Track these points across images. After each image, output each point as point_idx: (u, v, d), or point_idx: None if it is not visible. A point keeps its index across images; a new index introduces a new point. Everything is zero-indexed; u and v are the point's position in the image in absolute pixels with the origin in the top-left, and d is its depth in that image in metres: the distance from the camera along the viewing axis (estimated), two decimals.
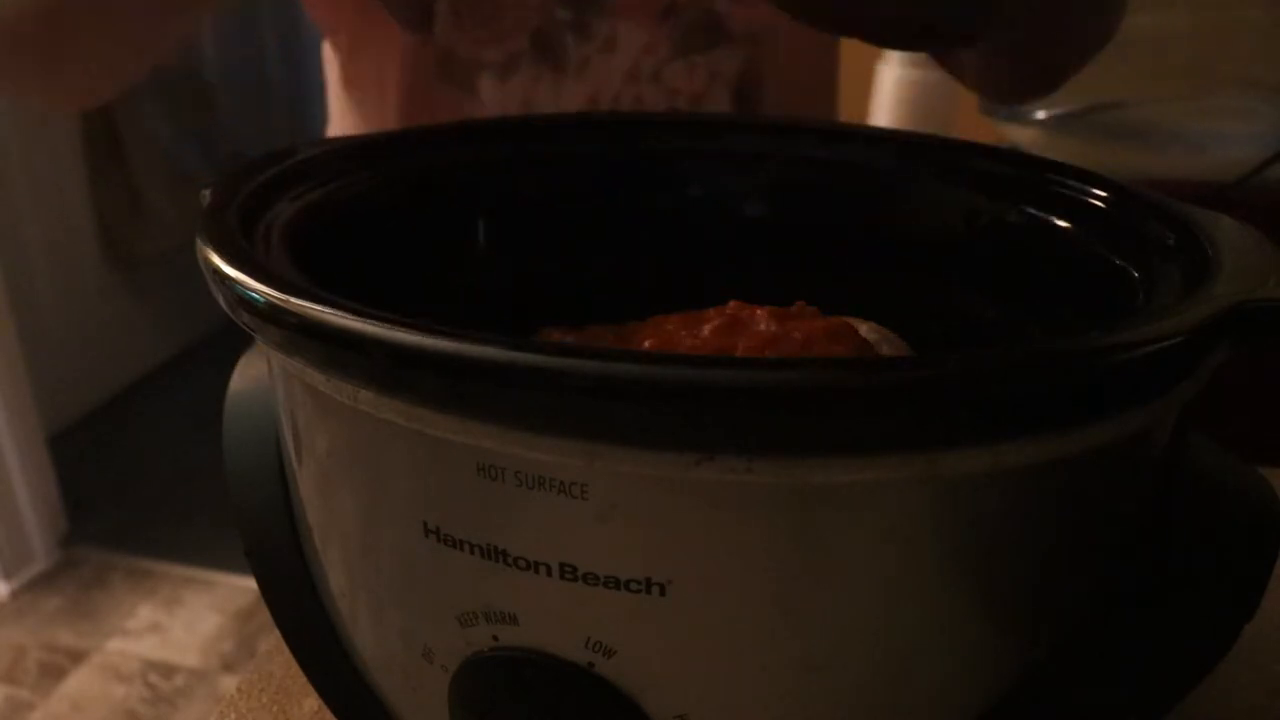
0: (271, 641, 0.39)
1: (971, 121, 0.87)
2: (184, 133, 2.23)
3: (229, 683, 1.48)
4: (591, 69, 0.53)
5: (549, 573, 0.21)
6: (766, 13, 0.53)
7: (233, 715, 0.36)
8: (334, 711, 0.29)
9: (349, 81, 0.58)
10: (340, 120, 0.60)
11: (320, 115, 0.69)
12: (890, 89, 1.18)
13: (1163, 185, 0.30)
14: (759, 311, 0.31)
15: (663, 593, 0.21)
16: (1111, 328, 0.20)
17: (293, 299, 0.21)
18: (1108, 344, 0.20)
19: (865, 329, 0.31)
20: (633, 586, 0.21)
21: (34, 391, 1.72)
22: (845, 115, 0.70)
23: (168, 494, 1.89)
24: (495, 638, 0.23)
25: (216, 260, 0.23)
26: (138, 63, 0.49)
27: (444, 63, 0.52)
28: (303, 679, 0.30)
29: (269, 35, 2.51)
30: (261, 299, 0.22)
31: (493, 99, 0.53)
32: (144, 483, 1.93)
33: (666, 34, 0.53)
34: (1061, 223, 0.31)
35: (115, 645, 1.58)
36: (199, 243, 0.24)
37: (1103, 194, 0.30)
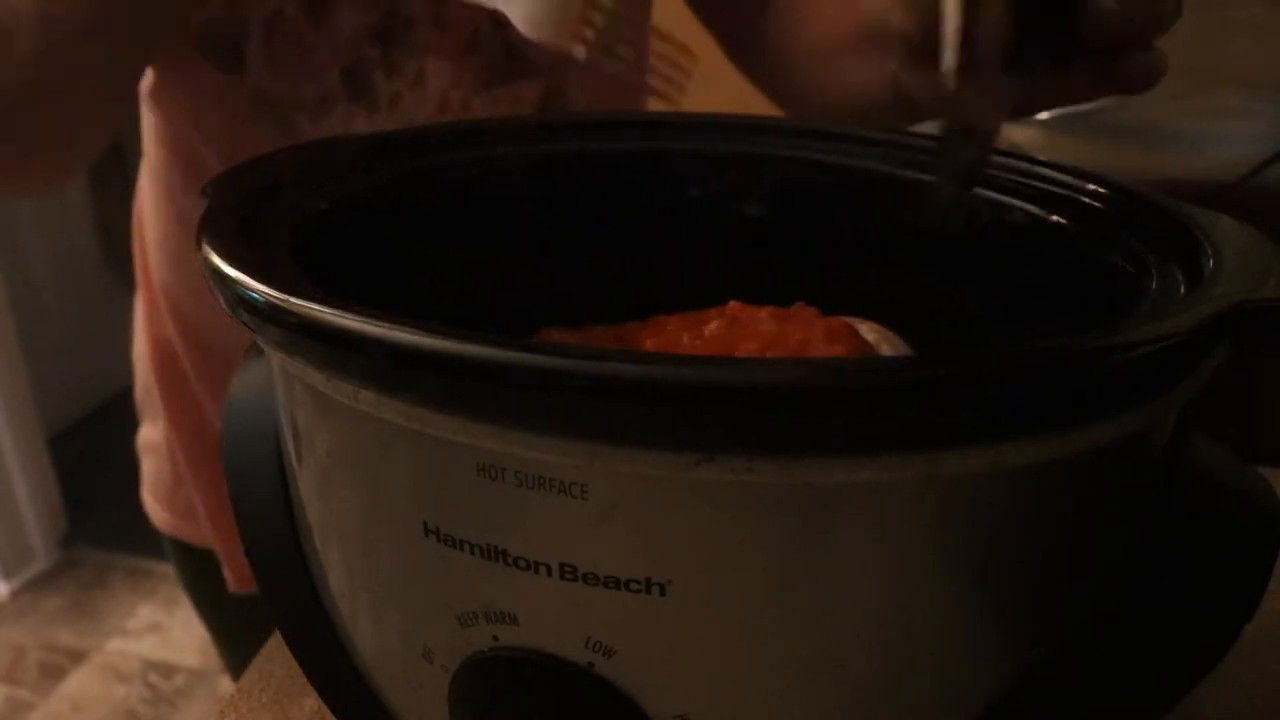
0: (271, 641, 0.39)
1: None
2: None
3: (229, 683, 1.48)
4: (403, 104, 0.54)
5: (549, 573, 0.21)
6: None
7: (233, 715, 0.36)
8: (334, 711, 0.29)
9: (161, 121, 0.57)
10: (157, 161, 0.59)
11: None
12: None
13: (1163, 185, 0.29)
14: (759, 312, 0.31)
15: (663, 593, 0.21)
16: (1112, 328, 0.20)
17: (293, 299, 0.21)
18: (1108, 344, 0.20)
19: (865, 329, 0.31)
20: (633, 586, 0.21)
21: (34, 391, 1.72)
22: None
23: None
24: (495, 638, 0.23)
25: (216, 260, 0.23)
26: (96, 134, 0.50)
27: (258, 102, 0.53)
28: (303, 679, 0.30)
29: None
30: (261, 299, 0.22)
31: (311, 136, 0.54)
32: None
33: (470, 68, 0.55)
34: (1061, 222, 0.31)
35: (115, 645, 1.58)
36: (198, 243, 0.24)
37: (1103, 194, 0.30)
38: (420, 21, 0.53)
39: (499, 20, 0.53)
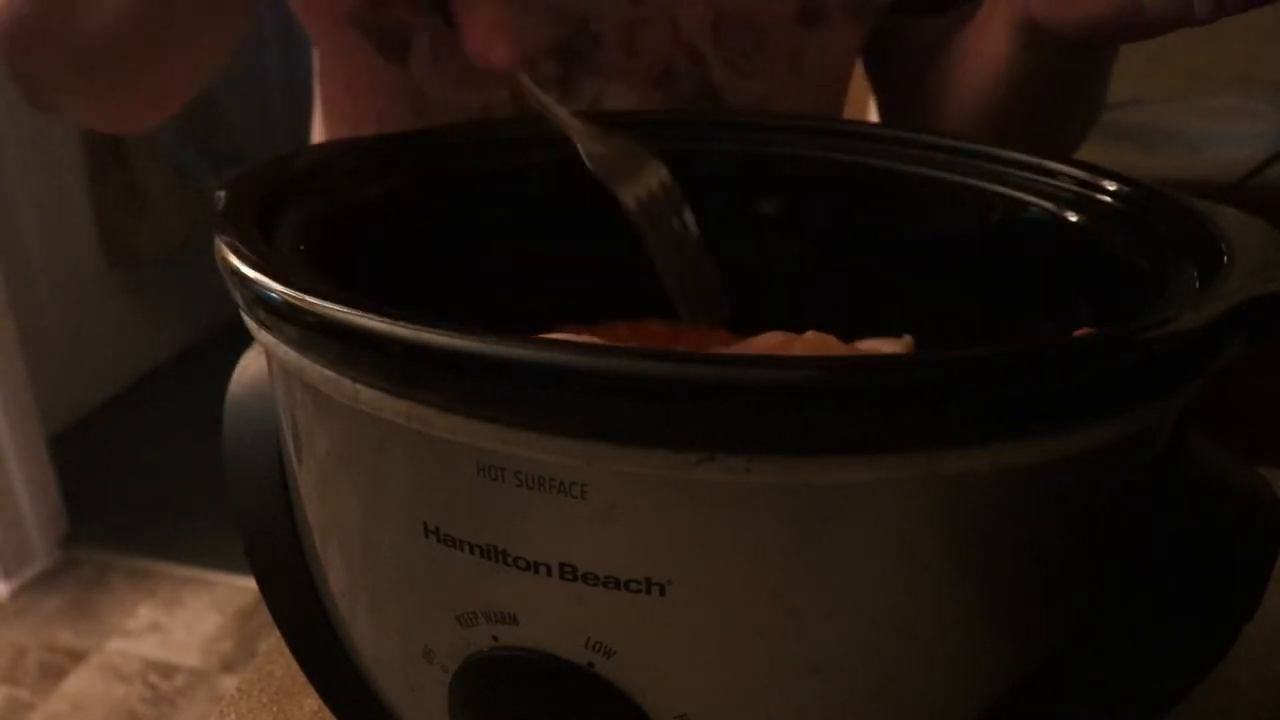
0: (271, 641, 0.39)
1: None
2: (184, 132, 2.23)
3: (229, 683, 1.48)
4: None
5: (549, 573, 0.21)
6: (764, 84, 0.51)
7: (233, 715, 0.36)
8: (334, 711, 0.29)
9: (325, 97, 0.55)
10: (320, 136, 0.58)
11: None
12: None
13: (1162, 185, 0.29)
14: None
15: (663, 593, 0.21)
16: (1126, 325, 0.20)
17: (308, 297, 0.21)
18: (1113, 344, 0.20)
19: (899, 345, 0.32)
20: (633, 586, 0.21)
21: (34, 391, 1.72)
22: (846, 115, 0.70)
23: (168, 494, 1.89)
24: (495, 638, 0.23)
25: (234, 260, 0.23)
26: (188, 82, 0.48)
27: (417, 100, 0.50)
28: (303, 679, 0.30)
29: (269, 35, 2.51)
30: (279, 298, 0.22)
31: None
32: (144, 483, 1.93)
33: (659, 100, 0.49)
34: (1074, 219, 0.31)
35: (115, 645, 1.58)
36: (216, 243, 0.24)
37: (1114, 190, 0.30)
38: (609, 43, 0.48)
39: (698, 56, 0.48)
